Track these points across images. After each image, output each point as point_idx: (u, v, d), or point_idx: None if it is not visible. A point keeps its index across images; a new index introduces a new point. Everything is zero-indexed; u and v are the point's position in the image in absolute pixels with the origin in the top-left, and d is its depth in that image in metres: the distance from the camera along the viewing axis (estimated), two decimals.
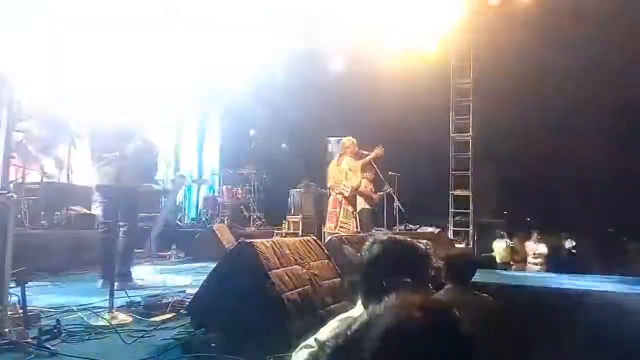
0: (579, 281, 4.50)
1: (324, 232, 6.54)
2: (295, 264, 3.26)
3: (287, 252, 3.29)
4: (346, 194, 6.35)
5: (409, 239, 1.83)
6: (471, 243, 10.19)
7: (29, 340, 2.66)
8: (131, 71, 4.81)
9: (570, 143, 9.86)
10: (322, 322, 1.81)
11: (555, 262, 9.43)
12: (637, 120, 9.03)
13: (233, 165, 10.85)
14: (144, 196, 6.12)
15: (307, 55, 11.52)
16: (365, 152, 6.80)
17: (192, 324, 3.07)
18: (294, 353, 1.74)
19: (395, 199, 8.22)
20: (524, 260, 9.98)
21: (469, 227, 10.55)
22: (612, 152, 9.27)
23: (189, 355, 2.68)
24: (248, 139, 12.12)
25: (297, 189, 10.57)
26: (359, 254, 1.85)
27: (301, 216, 9.85)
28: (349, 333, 0.91)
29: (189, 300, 3.51)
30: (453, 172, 10.77)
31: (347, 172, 6.36)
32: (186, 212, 10.61)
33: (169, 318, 3.39)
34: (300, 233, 9.05)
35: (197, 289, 3.32)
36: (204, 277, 3.29)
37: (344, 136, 6.87)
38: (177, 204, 9.80)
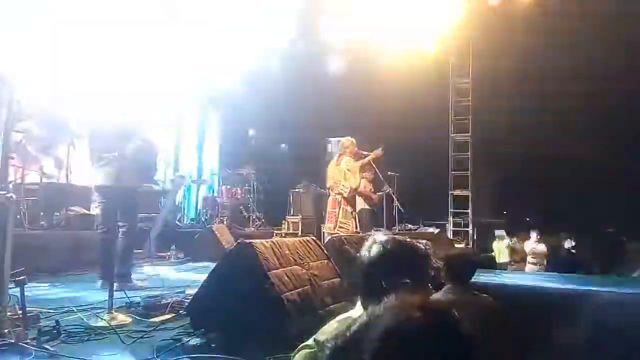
0: (578, 281, 4.50)
1: (324, 233, 6.54)
2: (295, 265, 3.26)
3: (287, 252, 3.29)
4: (345, 195, 6.34)
5: (408, 239, 1.82)
6: (470, 243, 10.19)
7: (29, 341, 2.66)
8: (131, 71, 4.81)
9: (570, 143, 9.87)
10: (322, 322, 1.81)
11: (554, 262, 9.43)
12: (638, 120, 9.03)
13: (232, 165, 10.85)
14: (144, 196, 6.11)
15: (306, 55, 11.54)
16: (364, 153, 6.80)
17: (191, 324, 3.06)
18: (293, 353, 1.74)
19: (395, 199, 8.22)
20: (523, 260, 9.98)
21: (468, 227, 10.55)
22: (612, 152, 9.27)
23: (188, 356, 2.68)
24: (247, 139, 12.12)
25: (297, 190, 10.57)
26: (358, 255, 1.85)
27: (300, 216, 9.85)
28: (348, 334, 0.90)
29: (188, 300, 3.51)
30: (452, 172, 10.78)
31: (345, 173, 6.36)
32: (185, 212, 10.61)
33: (169, 319, 3.38)
34: (299, 233, 9.05)
35: (196, 289, 3.32)
36: (204, 277, 3.29)
37: (344, 136, 6.87)
38: (177, 204, 9.79)
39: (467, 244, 9.99)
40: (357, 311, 1.73)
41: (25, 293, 2.79)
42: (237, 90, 12.65)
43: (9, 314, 2.87)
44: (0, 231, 2.84)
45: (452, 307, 0.92)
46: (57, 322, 2.96)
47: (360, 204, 7.49)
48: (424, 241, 5.08)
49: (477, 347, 0.86)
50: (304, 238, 3.90)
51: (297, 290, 3.02)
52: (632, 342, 2.96)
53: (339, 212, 6.35)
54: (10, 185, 5.42)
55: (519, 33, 9.08)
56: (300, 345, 1.74)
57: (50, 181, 6.88)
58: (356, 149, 6.63)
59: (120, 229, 4.56)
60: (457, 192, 10.72)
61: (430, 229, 9.30)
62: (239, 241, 3.34)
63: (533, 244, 9.92)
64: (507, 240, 10.13)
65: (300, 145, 12.40)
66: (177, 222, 9.20)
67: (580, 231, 9.48)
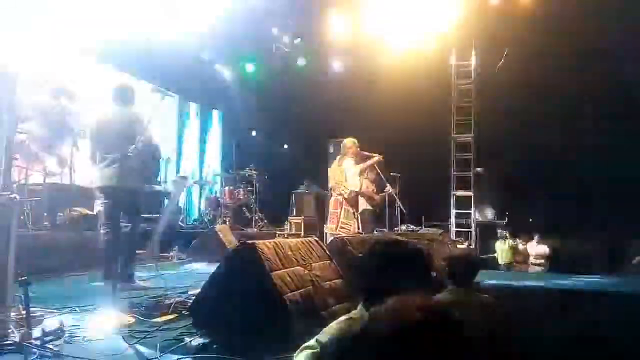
0: (580, 282, 4.50)
1: (326, 233, 6.54)
2: (297, 265, 3.26)
3: (289, 253, 3.30)
4: (345, 196, 6.34)
5: (410, 240, 1.83)
6: (473, 244, 10.18)
7: (32, 341, 2.67)
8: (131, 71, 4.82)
9: (572, 143, 9.87)
10: (324, 323, 1.82)
11: (557, 262, 9.42)
12: (638, 120, 9.02)
13: (235, 166, 10.86)
14: (146, 197, 6.12)
15: (308, 55, 11.56)
16: (366, 153, 6.80)
17: (194, 324, 3.07)
18: (295, 354, 1.74)
19: (397, 199, 8.22)
20: (525, 261, 9.97)
21: (470, 228, 10.54)
22: (614, 153, 9.26)
23: (191, 356, 2.69)
24: (250, 140, 12.14)
25: (299, 190, 10.58)
26: (360, 255, 1.86)
27: (303, 217, 9.86)
28: (350, 334, 0.91)
29: (190, 301, 3.52)
30: (455, 173, 10.77)
31: (346, 175, 6.37)
32: (188, 213, 10.63)
33: (171, 319, 3.39)
34: (302, 234, 9.06)
35: (199, 290, 3.32)
36: (206, 278, 3.30)
37: (346, 137, 6.87)
38: (179, 205, 9.81)
39: (470, 244, 9.99)
40: (359, 312, 1.73)
41: (29, 293, 2.80)
42: (239, 90, 12.73)
43: (12, 314, 2.88)
44: (4, 231, 2.85)
45: (454, 308, 0.92)
46: (60, 322, 2.97)
47: (363, 204, 7.49)
48: (426, 242, 5.09)
49: (478, 348, 0.87)
50: (306, 239, 3.90)
51: (299, 291, 3.02)
52: (632, 342, 2.96)
53: (340, 212, 6.35)
54: (14, 186, 5.44)
55: (521, 33, 9.07)
56: (302, 346, 1.74)
57: (53, 182, 6.90)
58: (358, 149, 6.63)
59: (123, 230, 4.57)
60: (460, 193, 10.72)
61: (433, 230, 9.29)
62: (241, 242, 3.34)
63: (535, 245, 9.92)
64: (509, 241, 10.12)
65: (303, 145, 12.43)
66: (179, 223, 9.21)
67: (582, 232, 9.47)
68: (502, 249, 10.13)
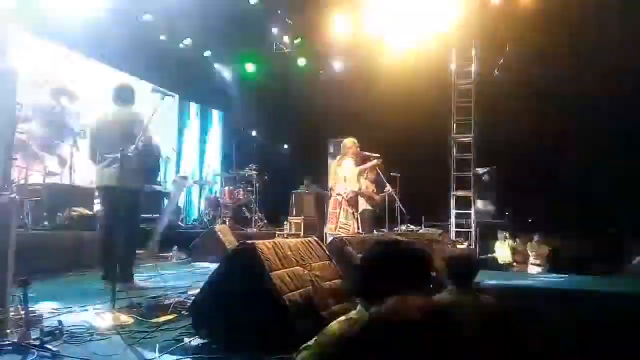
0: (580, 282, 4.49)
1: (325, 233, 6.54)
2: (297, 265, 3.26)
3: (289, 253, 3.29)
4: (344, 196, 6.33)
5: (410, 241, 1.83)
6: (473, 244, 10.18)
7: (31, 341, 2.67)
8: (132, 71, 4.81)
9: (571, 143, 9.87)
10: (324, 323, 1.81)
11: (556, 262, 9.42)
12: (638, 120, 9.02)
13: (235, 166, 10.86)
14: (146, 197, 6.12)
15: (309, 55, 11.56)
16: (366, 153, 6.80)
17: (193, 325, 3.07)
18: (295, 354, 1.74)
19: (397, 199, 8.22)
20: (525, 261, 9.97)
21: (470, 228, 10.54)
22: (614, 153, 9.26)
23: (190, 356, 2.69)
24: (250, 139, 12.14)
25: (299, 190, 10.57)
26: (360, 256, 1.85)
27: (303, 217, 9.85)
28: (350, 335, 0.91)
29: (190, 301, 3.52)
30: (455, 173, 10.77)
31: (345, 176, 6.36)
32: (188, 213, 10.63)
33: (171, 319, 3.39)
34: (301, 234, 9.05)
35: (198, 290, 3.32)
36: (206, 278, 3.29)
37: (346, 137, 6.87)
38: (179, 205, 9.81)
39: (469, 244, 9.99)
40: (358, 312, 1.73)
41: (28, 293, 2.79)
42: (239, 90, 12.74)
43: (11, 314, 2.88)
44: (4, 231, 2.85)
45: (454, 308, 0.92)
46: (59, 322, 2.97)
47: (363, 204, 7.49)
48: (426, 242, 5.09)
49: (478, 347, 0.86)
50: (305, 239, 3.90)
51: (299, 291, 3.02)
52: (632, 342, 2.96)
53: (339, 212, 6.34)
54: (14, 186, 5.44)
55: (520, 33, 9.07)
56: (302, 346, 1.74)
57: (53, 182, 6.90)
58: (358, 149, 6.63)
59: (122, 230, 4.56)
60: (460, 193, 10.72)
61: (433, 230, 9.29)
62: (240, 242, 3.34)
63: (535, 245, 9.92)
64: (509, 241, 10.12)
65: (303, 145, 12.43)
66: (179, 223, 9.21)
67: (582, 232, 9.47)
68: (501, 249, 10.13)
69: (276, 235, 9.52)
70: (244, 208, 10.26)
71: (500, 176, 10.45)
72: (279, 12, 10.65)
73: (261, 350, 2.58)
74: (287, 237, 8.60)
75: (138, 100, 4.92)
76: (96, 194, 5.82)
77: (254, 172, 10.42)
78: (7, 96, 3.36)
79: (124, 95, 4.85)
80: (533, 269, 9.56)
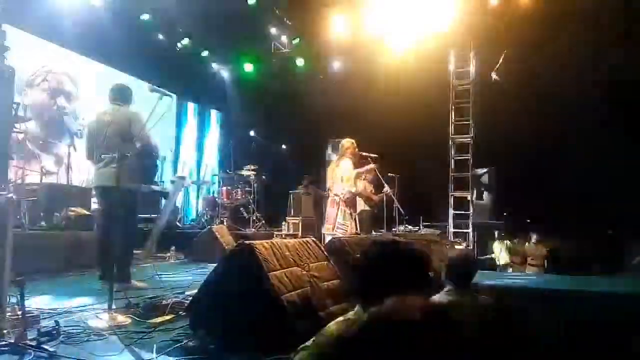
0: (578, 282, 4.49)
1: (323, 234, 6.53)
2: (295, 266, 3.25)
3: (287, 253, 3.29)
4: (341, 197, 6.32)
5: (408, 241, 1.82)
6: (471, 244, 10.19)
7: (28, 341, 2.65)
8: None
9: (570, 144, 9.88)
10: (322, 324, 1.81)
11: (555, 263, 9.43)
12: (638, 121, 9.04)
13: (233, 166, 10.85)
14: (144, 197, 6.11)
15: (307, 55, 11.56)
16: (364, 154, 6.79)
17: (191, 325, 3.06)
18: (293, 355, 1.73)
19: (395, 200, 8.22)
20: (523, 262, 9.98)
21: (468, 229, 10.55)
22: (613, 154, 9.28)
23: (188, 357, 2.68)
24: (248, 140, 12.14)
25: (297, 191, 10.57)
26: (358, 256, 1.85)
27: (301, 217, 9.84)
28: (349, 335, 0.90)
29: (188, 301, 3.51)
30: (453, 174, 10.77)
31: (342, 177, 6.35)
32: (186, 213, 10.61)
33: (168, 319, 3.38)
34: (299, 234, 9.05)
35: (196, 290, 3.31)
36: (203, 278, 3.29)
37: (344, 137, 6.87)
38: (177, 205, 9.79)
39: (468, 245, 9.99)
40: (357, 313, 1.72)
41: (25, 293, 2.78)
42: (238, 90, 12.74)
43: (8, 314, 2.86)
44: (0, 231, 2.84)
45: (452, 309, 0.91)
46: (56, 322, 2.96)
47: (361, 205, 7.49)
48: (424, 242, 5.09)
49: (476, 348, 0.86)
50: (304, 239, 3.89)
51: (296, 292, 3.01)
52: (632, 342, 2.96)
53: (337, 213, 6.33)
54: (11, 186, 5.42)
55: (519, 34, 9.08)
56: (300, 347, 1.73)
57: (50, 181, 6.89)
58: (356, 150, 6.62)
59: (120, 230, 4.55)
60: (458, 194, 10.72)
61: (431, 231, 9.30)
62: (238, 242, 3.33)
63: (533, 246, 9.93)
64: (507, 242, 10.13)
65: (301, 146, 12.43)
66: (177, 223, 9.20)
67: (580, 233, 9.48)
68: (499, 250, 10.13)
69: (274, 235, 9.52)
70: (242, 208, 10.25)
71: (499, 177, 10.45)
72: (277, 12, 10.65)
73: (259, 351, 2.58)
74: (285, 238, 8.60)
75: (136, 100, 4.91)
76: (93, 192, 5.81)
77: (252, 172, 10.41)
78: (5, 96, 3.35)
79: (122, 95, 4.84)
80: (531, 270, 9.57)
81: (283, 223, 10.18)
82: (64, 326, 3.04)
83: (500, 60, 9.77)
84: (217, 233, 7.16)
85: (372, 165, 6.89)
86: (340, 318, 1.76)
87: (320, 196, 9.85)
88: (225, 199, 10.07)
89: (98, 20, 8.42)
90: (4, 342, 2.64)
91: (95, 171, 4.73)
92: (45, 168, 6.72)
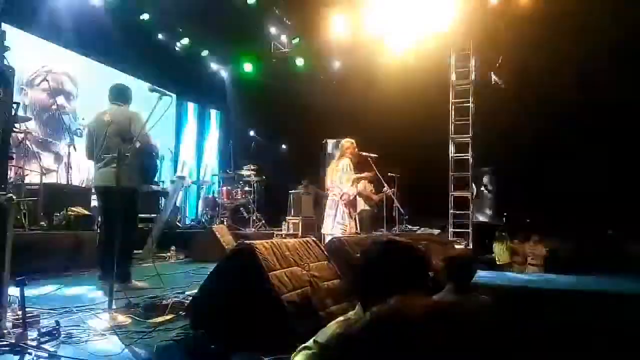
0: (578, 282, 4.50)
1: (323, 234, 6.53)
2: (295, 265, 3.26)
3: (287, 253, 3.29)
4: (338, 198, 6.32)
5: (408, 241, 1.82)
6: (471, 244, 10.18)
7: (28, 341, 2.66)
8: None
9: (570, 144, 9.88)
10: (322, 324, 1.81)
11: (555, 263, 9.42)
12: (638, 121, 9.04)
13: (233, 166, 10.86)
14: (144, 197, 6.11)
15: (306, 55, 11.56)
16: (364, 154, 6.79)
17: (191, 325, 3.06)
18: (293, 355, 1.74)
19: (395, 200, 8.22)
20: (523, 262, 9.98)
21: (468, 229, 10.54)
22: (613, 154, 9.28)
23: (188, 357, 2.68)
24: (248, 139, 12.14)
25: (297, 190, 10.57)
26: (358, 256, 1.85)
27: (301, 217, 9.84)
28: (350, 335, 0.90)
29: (188, 301, 3.51)
30: (453, 173, 10.77)
31: (340, 177, 6.34)
32: (186, 213, 10.61)
33: (168, 319, 3.38)
34: (299, 234, 9.05)
35: (196, 290, 3.31)
36: (204, 278, 3.29)
37: (344, 137, 6.87)
38: (177, 205, 9.79)
39: (467, 245, 9.98)
40: (357, 313, 1.72)
41: (25, 293, 2.78)
42: (238, 90, 12.74)
43: (8, 314, 2.86)
44: (1, 231, 2.84)
45: (453, 309, 0.92)
46: (57, 322, 2.96)
47: (361, 205, 7.50)
48: (424, 242, 5.09)
49: (477, 348, 0.86)
50: (304, 239, 3.90)
51: (297, 292, 3.02)
52: (631, 342, 2.96)
53: (336, 213, 6.33)
54: (11, 186, 5.42)
55: (519, 33, 9.08)
56: (300, 347, 1.74)
57: (50, 181, 6.89)
58: (356, 150, 6.62)
59: (120, 230, 4.55)
60: (457, 193, 10.71)
61: (431, 230, 9.30)
62: (239, 242, 3.34)
63: (533, 245, 9.93)
64: (507, 242, 10.13)
65: (301, 145, 12.42)
66: (177, 223, 9.19)
67: (580, 233, 9.48)
68: (499, 250, 10.13)
69: (274, 235, 9.51)
70: (242, 208, 10.25)
71: (499, 177, 10.45)
72: (277, 12, 10.65)
73: (259, 351, 2.58)
74: (285, 238, 8.60)
75: (136, 100, 4.91)
76: (93, 192, 5.81)
77: (252, 172, 10.41)
78: (4, 95, 3.34)
79: (122, 95, 4.85)
80: (531, 270, 9.56)
81: (283, 223, 10.18)
82: (65, 326, 3.04)
83: (499, 62, 9.77)
84: (217, 233, 7.16)
85: (368, 174, 6.90)
86: (341, 318, 1.77)
87: (320, 196, 9.85)
88: (225, 199, 10.07)
89: (98, 20, 8.42)
90: (4, 342, 2.64)
91: (96, 171, 4.74)
92: (45, 168, 6.72)
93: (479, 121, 10.51)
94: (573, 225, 9.67)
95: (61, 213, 6.18)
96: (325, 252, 3.83)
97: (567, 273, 6.42)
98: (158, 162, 5.79)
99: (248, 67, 11.98)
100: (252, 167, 10.44)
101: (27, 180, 6.48)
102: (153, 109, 3.79)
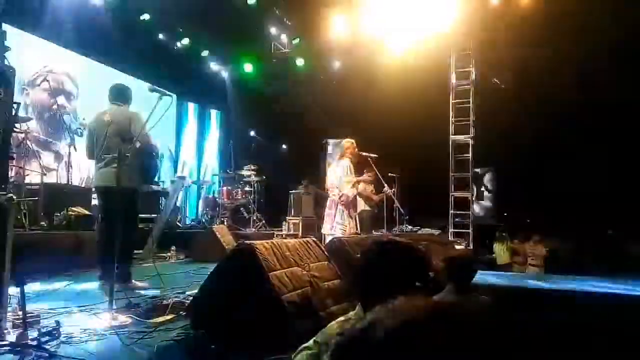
0: (578, 282, 4.50)
1: (323, 234, 6.53)
2: (295, 266, 3.26)
3: (287, 253, 3.29)
4: (338, 197, 6.32)
5: (408, 241, 1.82)
6: (471, 244, 10.18)
7: (28, 341, 2.66)
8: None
9: (570, 144, 9.89)
10: (322, 324, 1.81)
11: (555, 263, 9.43)
12: (637, 121, 9.05)
13: (233, 166, 10.86)
14: (144, 197, 6.11)
15: (308, 55, 11.56)
16: (364, 154, 6.79)
17: (191, 325, 3.06)
18: (293, 355, 1.74)
19: (395, 200, 8.22)
20: (523, 262, 9.98)
21: (469, 229, 10.54)
22: (613, 154, 9.28)
23: (188, 357, 2.68)
24: (248, 140, 12.15)
25: (297, 190, 10.57)
26: (358, 256, 1.85)
27: (301, 217, 9.84)
28: (350, 335, 0.90)
29: (188, 301, 3.51)
30: (453, 174, 10.77)
31: (340, 179, 6.35)
32: (186, 213, 10.61)
33: (169, 319, 3.38)
34: (300, 234, 9.04)
35: (196, 290, 3.32)
36: (204, 278, 3.29)
37: (344, 137, 6.87)
38: (177, 205, 9.79)
39: (468, 245, 9.99)
40: (357, 313, 1.72)
41: (25, 293, 2.79)
42: (238, 90, 12.74)
43: (9, 314, 2.87)
44: (1, 231, 2.84)
45: (454, 309, 0.92)
46: (57, 322, 2.96)
47: (361, 205, 7.50)
48: (424, 242, 5.09)
49: (477, 348, 0.86)
50: (304, 239, 3.89)
51: (297, 292, 3.02)
52: (631, 342, 2.96)
53: (335, 213, 6.33)
54: (11, 186, 5.42)
55: (519, 34, 9.08)
56: (300, 347, 1.74)
57: (51, 181, 6.89)
58: (356, 150, 6.62)
59: (120, 230, 4.56)
60: (458, 194, 10.71)
61: (431, 230, 9.30)
62: (239, 242, 3.34)
63: (533, 246, 9.93)
64: (507, 242, 10.13)
65: (301, 146, 12.43)
66: (177, 223, 9.20)
67: (580, 233, 9.49)
68: (500, 250, 10.13)
69: (274, 235, 9.51)
70: (242, 208, 10.25)
71: (499, 177, 10.46)
72: (277, 12, 10.65)
73: (259, 351, 2.58)
74: (285, 238, 8.60)
75: (136, 100, 4.91)
76: (94, 192, 5.81)
77: (252, 172, 10.41)
78: (5, 95, 3.35)
79: (122, 95, 4.84)
80: (531, 270, 9.57)
81: (283, 223, 10.18)
82: (65, 326, 3.04)
83: (500, 61, 9.78)
84: (217, 233, 7.16)
85: (367, 177, 6.90)
86: (341, 318, 1.77)
87: (320, 196, 9.85)
88: (225, 199, 10.07)
89: (98, 20, 8.42)
90: (4, 342, 2.64)
91: (96, 171, 4.74)
92: (45, 168, 6.72)
93: (479, 121, 10.51)
94: (573, 225, 9.68)
95: (61, 213, 6.18)
96: (326, 253, 3.83)
97: (567, 273, 6.43)
98: (158, 162, 5.79)
99: (248, 67, 11.98)
100: (253, 167, 10.44)
101: (27, 180, 6.48)
102: (153, 109, 3.79)
